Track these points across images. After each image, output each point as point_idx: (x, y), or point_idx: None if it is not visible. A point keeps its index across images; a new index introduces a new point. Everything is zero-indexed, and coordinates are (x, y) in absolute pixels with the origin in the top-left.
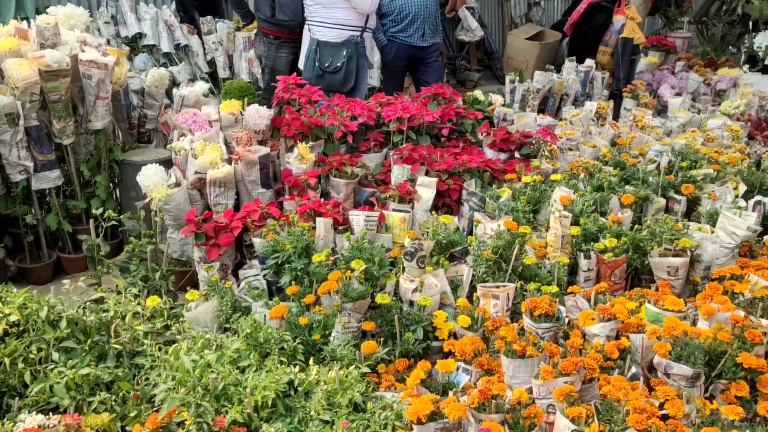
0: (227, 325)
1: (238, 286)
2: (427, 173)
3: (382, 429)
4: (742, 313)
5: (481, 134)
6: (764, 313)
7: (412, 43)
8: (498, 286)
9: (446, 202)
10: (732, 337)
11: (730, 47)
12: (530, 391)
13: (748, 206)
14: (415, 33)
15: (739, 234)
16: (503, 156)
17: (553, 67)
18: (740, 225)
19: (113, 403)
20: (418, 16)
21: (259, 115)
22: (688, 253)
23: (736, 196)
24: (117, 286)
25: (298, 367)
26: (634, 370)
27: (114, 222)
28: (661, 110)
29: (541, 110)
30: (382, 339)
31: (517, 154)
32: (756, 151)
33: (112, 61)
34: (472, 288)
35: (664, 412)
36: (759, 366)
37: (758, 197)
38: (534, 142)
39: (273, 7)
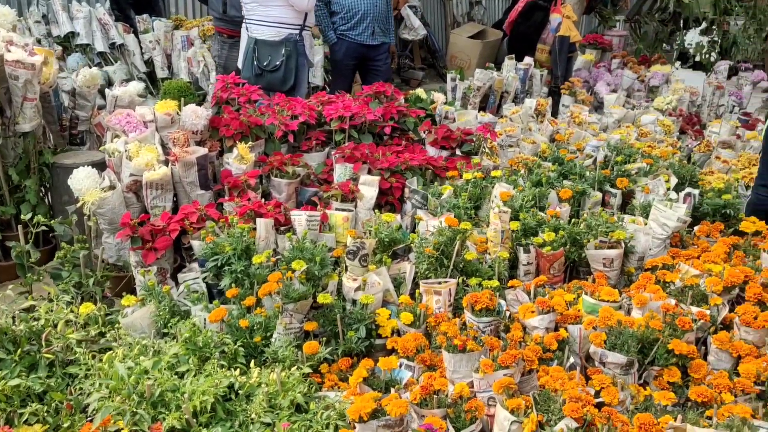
0: (165, 330)
1: (178, 289)
2: (369, 172)
3: (325, 429)
4: (673, 302)
5: (423, 132)
6: (694, 300)
7: (361, 42)
8: (440, 282)
9: (389, 200)
10: (663, 324)
11: (663, 44)
12: (471, 385)
13: (679, 198)
14: (364, 31)
15: (670, 225)
16: (445, 153)
17: (493, 65)
18: (671, 216)
19: (45, 415)
20: (368, 15)
21: (196, 115)
22: (623, 245)
23: (668, 189)
24: (49, 293)
25: (239, 370)
26: (572, 360)
27: (45, 228)
28: (598, 106)
29: (482, 108)
30: (324, 339)
31: (458, 152)
32: (687, 145)
33: (40, 61)
34: (415, 285)
35: (600, 399)
36: (689, 352)
37: (688, 189)
38: (475, 139)
39: (225, 2)
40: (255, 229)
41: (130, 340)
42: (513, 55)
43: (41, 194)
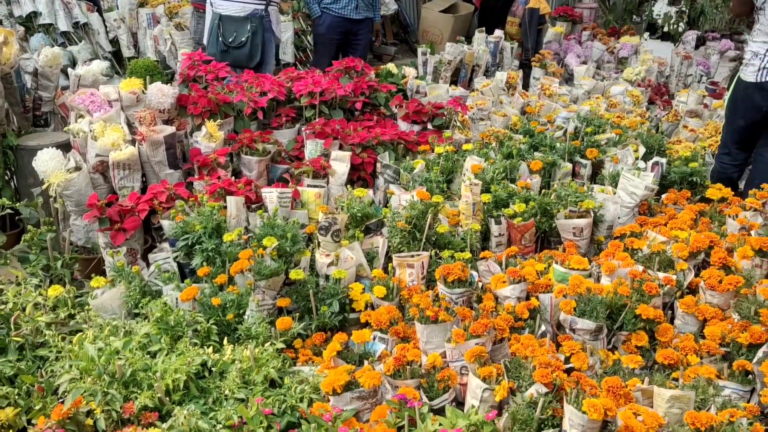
0: (137, 311)
1: (149, 270)
2: (341, 147)
3: (299, 402)
4: (640, 268)
5: (395, 107)
6: (661, 266)
7: (345, 15)
8: (413, 256)
9: (361, 175)
10: (631, 290)
11: (632, 16)
12: (444, 355)
13: (647, 167)
14: (348, 5)
15: (638, 193)
16: (417, 128)
17: (463, 38)
18: (639, 185)
19: (17, 398)
20: None
21: (162, 93)
22: (592, 214)
23: (637, 158)
24: (16, 277)
25: (212, 348)
26: (543, 328)
27: (10, 210)
28: (568, 78)
29: (454, 82)
30: (298, 315)
31: (430, 126)
32: (656, 115)
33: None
34: (388, 259)
35: (570, 365)
36: (656, 316)
37: (656, 158)
38: (446, 113)
39: None
40: (225, 207)
41: (100, 322)
42: (483, 29)
43: (6, 178)
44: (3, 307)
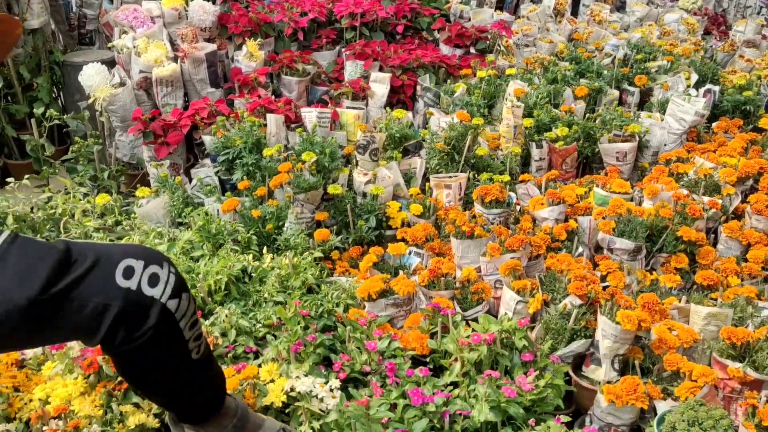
0: (180, 220)
1: (191, 184)
2: (381, 69)
3: (335, 307)
4: (684, 192)
5: (437, 31)
6: (707, 191)
7: None
8: (450, 177)
9: (401, 98)
10: (674, 213)
11: None
12: (479, 270)
13: (699, 95)
14: None
15: (687, 119)
16: (459, 52)
17: None
18: (689, 110)
19: None
20: None
21: (203, 10)
22: (637, 139)
23: (688, 86)
24: (65, 186)
25: (252, 255)
26: (580, 250)
27: (58, 122)
28: (620, 6)
29: (499, 7)
30: (335, 229)
31: (472, 50)
32: (711, 46)
33: None
34: (426, 180)
35: (606, 284)
36: (698, 239)
37: (708, 86)
38: (490, 37)
39: None
40: (265, 125)
41: (146, 228)
42: None
43: (54, 94)
44: (53, 212)
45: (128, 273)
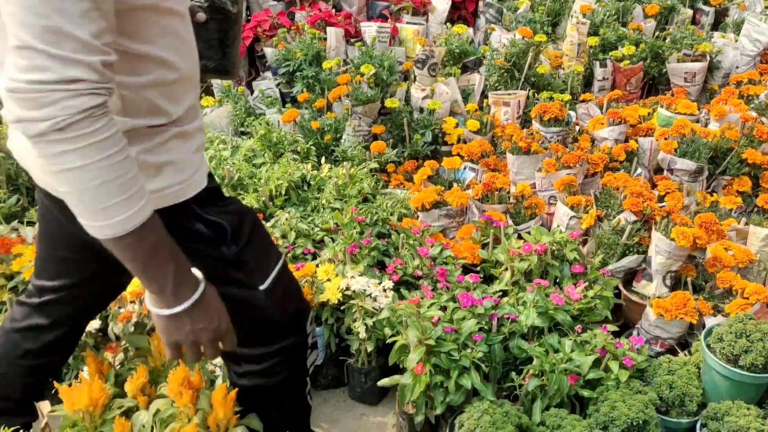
0: (242, 129)
1: (252, 96)
2: None
3: (390, 216)
4: (754, 114)
5: None
6: None
7: None
8: (510, 94)
9: (462, 15)
10: (740, 135)
11: None
12: (533, 186)
13: None
14: None
15: (762, 40)
16: None
17: None
18: (765, 31)
19: None
20: None
21: None
22: (708, 59)
23: (766, 7)
24: None
25: (310, 164)
26: (639, 171)
27: None
28: None
29: None
30: (391, 142)
31: None
32: None
33: None
34: (484, 97)
35: (663, 204)
36: (763, 162)
37: None
38: None
39: None
40: (325, 39)
41: (210, 136)
42: None
43: None
44: None
45: None
